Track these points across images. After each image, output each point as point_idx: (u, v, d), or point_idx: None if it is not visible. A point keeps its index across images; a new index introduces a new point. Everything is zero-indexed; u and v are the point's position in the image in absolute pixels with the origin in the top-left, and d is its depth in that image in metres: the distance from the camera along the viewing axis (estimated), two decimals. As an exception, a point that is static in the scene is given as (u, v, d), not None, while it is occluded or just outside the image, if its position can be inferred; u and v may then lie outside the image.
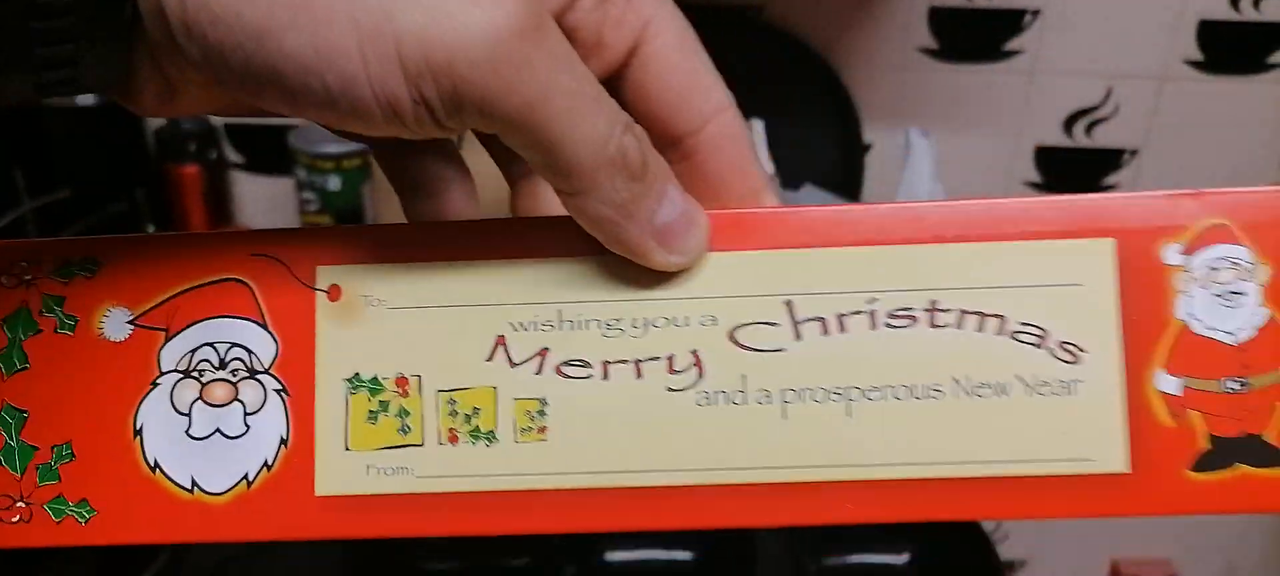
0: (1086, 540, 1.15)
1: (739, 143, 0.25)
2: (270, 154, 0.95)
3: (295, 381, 0.25)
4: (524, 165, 0.25)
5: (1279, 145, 0.98)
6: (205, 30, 0.20)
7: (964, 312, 0.24)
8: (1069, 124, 0.97)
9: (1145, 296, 0.24)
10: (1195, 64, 0.95)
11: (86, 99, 0.80)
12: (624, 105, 0.23)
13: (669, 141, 0.25)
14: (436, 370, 0.25)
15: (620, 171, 0.22)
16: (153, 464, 0.25)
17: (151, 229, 0.91)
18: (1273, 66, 0.95)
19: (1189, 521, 1.14)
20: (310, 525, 0.25)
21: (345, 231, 0.25)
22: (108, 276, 0.25)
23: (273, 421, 0.25)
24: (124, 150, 0.89)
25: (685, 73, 0.25)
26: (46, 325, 0.25)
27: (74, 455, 0.25)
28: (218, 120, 0.92)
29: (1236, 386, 0.24)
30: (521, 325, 0.25)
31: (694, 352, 0.24)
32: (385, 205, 0.80)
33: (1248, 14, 0.93)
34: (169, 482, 0.25)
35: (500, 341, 0.25)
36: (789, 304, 0.24)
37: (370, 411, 0.25)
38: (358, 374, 0.25)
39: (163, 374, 0.25)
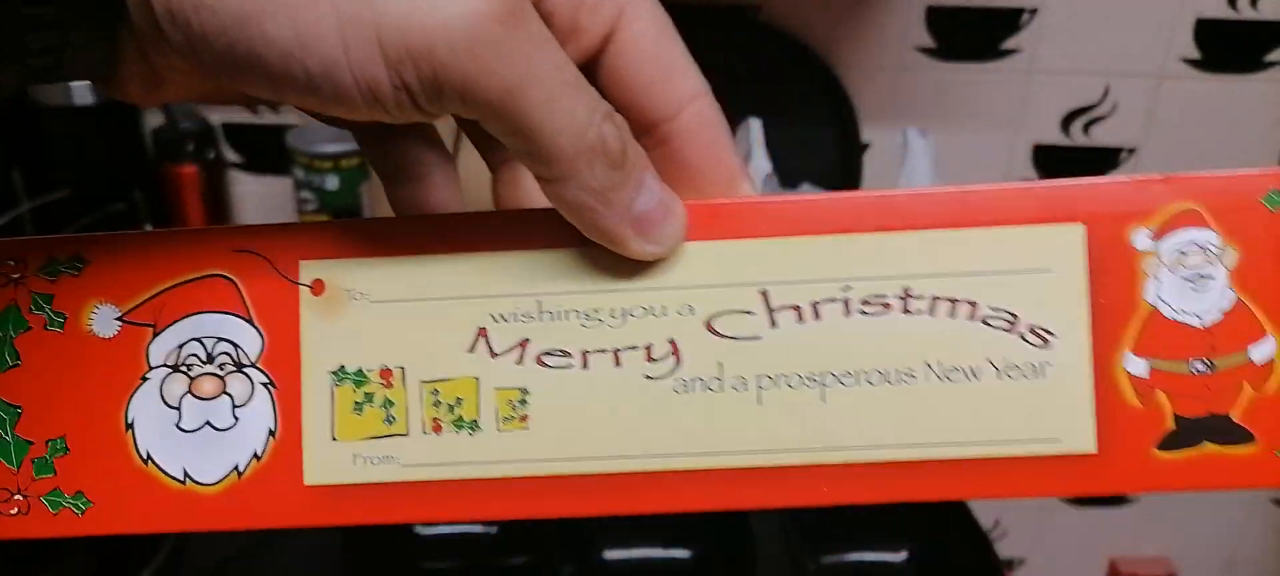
0: (1085, 538, 1.15)
1: (714, 129, 0.25)
2: (268, 154, 0.95)
3: (281, 374, 0.25)
4: (505, 151, 0.25)
5: (1276, 143, 0.98)
6: (188, 16, 0.21)
7: (936, 299, 0.25)
8: (1067, 123, 0.97)
9: (1115, 280, 0.24)
10: (1193, 62, 0.95)
11: (84, 99, 0.80)
12: (600, 91, 0.23)
13: (644, 127, 0.25)
14: (419, 361, 0.25)
15: (599, 158, 0.22)
16: (145, 456, 0.25)
17: (149, 229, 0.91)
18: (1270, 65, 0.95)
19: (1188, 520, 1.14)
20: (300, 513, 0.25)
21: (327, 226, 0.26)
22: (94, 274, 0.26)
23: (261, 413, 0.25)
24: (122, 150, 0.88)
25: (661, 59, 0.25)
26: (36, 322, 0.25)
27: (68, 449, 0.25)
28: (216, 120, 0.92)
29: (1203, 367, 0.24)
30: (502, 316, 0.25)
31: (671, 341, 0.25)
32: (383, 205, 0.80)
33: (1245, 12, 0.93)
34: (161, 474, 0.25)
35: (482, 332, 0.25)
36: (764, 292, 0.25)
37: (356, 403, 0.25)
38: (343, 366, 0.25)
39: (152, 369, 0.25)
